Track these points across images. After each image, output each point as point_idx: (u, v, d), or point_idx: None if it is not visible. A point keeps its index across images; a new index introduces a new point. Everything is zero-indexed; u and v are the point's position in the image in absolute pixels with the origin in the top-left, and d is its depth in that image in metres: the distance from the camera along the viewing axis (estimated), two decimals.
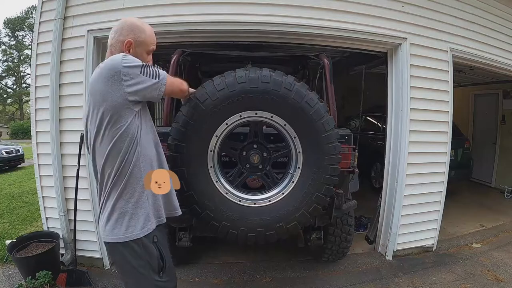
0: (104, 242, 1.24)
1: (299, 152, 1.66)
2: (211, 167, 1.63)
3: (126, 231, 1.18)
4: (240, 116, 1.59)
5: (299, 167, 1.67)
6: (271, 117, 1.61)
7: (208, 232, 2.03)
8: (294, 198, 1.68)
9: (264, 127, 1.76)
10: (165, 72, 1.27)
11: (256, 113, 1.60)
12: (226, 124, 1.59)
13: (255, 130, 1.75)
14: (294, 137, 1.64)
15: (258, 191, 1.76)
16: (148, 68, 1.18)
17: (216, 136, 1.60)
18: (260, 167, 1.75)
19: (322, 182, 1.66)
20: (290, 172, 1.71)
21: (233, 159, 1.81)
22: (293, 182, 1.69)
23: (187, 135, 1.55)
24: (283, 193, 1.69)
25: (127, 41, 1.22)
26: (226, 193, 1.66)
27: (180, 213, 1.41)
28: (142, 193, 1.21)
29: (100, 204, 1.25)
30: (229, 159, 1.88)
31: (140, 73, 1.16)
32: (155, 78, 1.19)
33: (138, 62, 1.17)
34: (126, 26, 1.24)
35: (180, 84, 1.38)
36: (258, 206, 1.68)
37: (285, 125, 1.62)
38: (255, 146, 1.75)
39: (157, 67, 1.25)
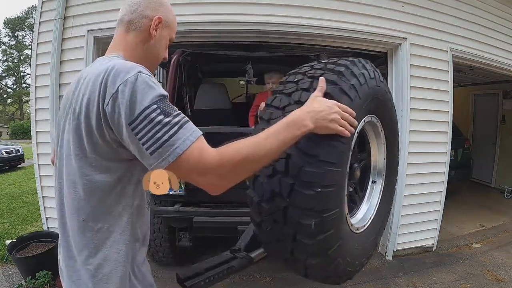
0: None
1: (385, 158, 1.46)
2: (346, 195, 1.14)
3: None
4: (364, 121, 1.20)
5: (383, 175, 1.47)
6: (377, 121, 1.32)
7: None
8: (383, 207, 1.48)
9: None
10: None
11: (371, 117, 1.26)
12: (357, 132, 1.14)
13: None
14: (384, 143, 1.42)
15: (356, 211, 1.44)
16: None
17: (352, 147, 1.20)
18: (354, 182, 1.41)
19: (395, 186, 1.53)
20: (374, 180, 1.49)
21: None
22: (380, 190, 1.48)
23: (342, 151, 1.02)
24: (377, 205, 1.48)
25: (157, 17, 0.89)
26: (352, 225, 1.24)
27: None
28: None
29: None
30: None
31: None
32: None
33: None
34: None
35: None
36: (367, 228, 1.35)
37: (381, 130, 1.37)
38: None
39: None
